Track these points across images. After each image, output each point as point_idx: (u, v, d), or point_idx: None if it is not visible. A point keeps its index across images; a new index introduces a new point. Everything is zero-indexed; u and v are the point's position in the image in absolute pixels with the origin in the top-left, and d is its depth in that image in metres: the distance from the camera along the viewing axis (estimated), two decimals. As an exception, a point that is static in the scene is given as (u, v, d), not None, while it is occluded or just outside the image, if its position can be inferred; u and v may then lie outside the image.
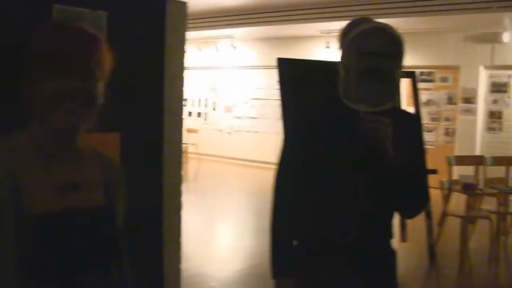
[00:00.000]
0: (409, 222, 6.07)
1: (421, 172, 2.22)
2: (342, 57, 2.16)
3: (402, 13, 9.73)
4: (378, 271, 2.20)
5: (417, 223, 6.55)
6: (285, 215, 2.22)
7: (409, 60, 9.72)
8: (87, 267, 1.51)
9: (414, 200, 2.20)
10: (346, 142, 2.10)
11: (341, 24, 8.52)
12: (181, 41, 3.48)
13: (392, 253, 2.28)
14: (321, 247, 2.16)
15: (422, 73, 11.75)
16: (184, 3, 3.49)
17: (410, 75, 6.00)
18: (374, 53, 2.03)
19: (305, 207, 2.18)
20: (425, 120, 11.16)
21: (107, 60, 1.54)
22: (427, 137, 10.04)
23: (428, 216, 6.16)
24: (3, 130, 1.49)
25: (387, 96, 2.09)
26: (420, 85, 10.21)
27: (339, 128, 2.13)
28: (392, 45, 2.05)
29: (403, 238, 6.13)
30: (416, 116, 2.36)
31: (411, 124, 2.25)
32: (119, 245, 1.66)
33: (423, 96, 11.54)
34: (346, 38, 2.18)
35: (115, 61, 1.58)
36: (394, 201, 2.16)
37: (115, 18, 3.06)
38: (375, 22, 2.18)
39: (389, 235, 2.26)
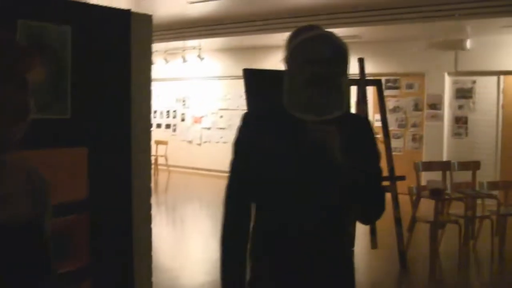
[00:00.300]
0: (379, 228, 6.12)
1: (376, 178, 2.17)
2: (286, 66, 2.11)
3: (365, 22, 9.84)
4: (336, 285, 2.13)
5: (387, 229, 6.60)
6: (233, 236, 2.16)
7: (375, 67, 9.85)
8: (11, 282, 1.49)
9: (370, 207, 2.14)
10: (294, 154, 2.03)
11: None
12: (147, 54, 3.47)
13: (351, 266, 2.21)
14: (275, 265, 2.09)
15: (388, 81, 11.90)
16: (149, 15, 3.48)
17: (376, 83, 6.06)
18: (317, 60, 1.98)
19: (255, 226, 2.14)
20: (392, 126, 11.27)
21: (37, 73, 1.51)
22: (394, 143, 10.14)
23: (398, 222, 6.21)
24: None
25: (334, 104, 2.04)
26: (387, 92, 10.36)
27: (285, 140, 2.04)
28: (335, 52, 2.01)
29: (374, 244, 6.17)
30: (366, 120, 2.30)
31: (362, 129, 2.18)
32: (48, 257, 1.63)
33: (390, 103, 11.68)
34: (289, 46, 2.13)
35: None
36: (350, 210, 2.11)
37: (79, 32, 3.03)
38: (319, 29, 2.13)
39: (348, 245, 2.20)
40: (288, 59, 2.10)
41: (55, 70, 2.94)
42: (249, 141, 2.12)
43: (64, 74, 2.98)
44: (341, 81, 2.04)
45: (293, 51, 2.07)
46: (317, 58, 1.99)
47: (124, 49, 3.28)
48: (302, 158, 2.02)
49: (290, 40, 2.13)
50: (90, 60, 3.11)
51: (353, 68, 7.26)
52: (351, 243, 2.26)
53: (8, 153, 1.52)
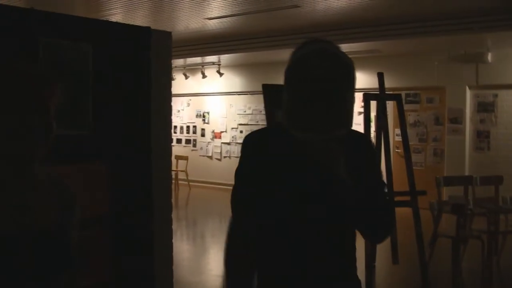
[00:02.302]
0: (400, 243, 6.06)
1: (380, 197, 2.06)
2: (285, 83, 1.97)
3: (384, 36, 9.82)
4: None
5: (408, 244, 6.54)
6: (238, 256, 2.10)
7: (395, 82, 9.80)
8: (36, 285, 1.61)
9: (378, 227, 2.03)
10: (297, 174, 1.93)
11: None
12: (167, 70, 3.50)
13: (357, 284, 2.12)
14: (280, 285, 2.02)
15: (408, 95, 11.82)
16: (169, 32, 3.52)
17: (396, 97, 6.03)
18: (317, 76, 1.85)
19: (259, 248, 2.06)
20: (413, 141, 11.20)
21: (57, 98, 1.65)
22: (415, 158, 10.07)
23: (419, 237, 6.15)
24: None
25: (337, 122, 1.91)
26: (407, 106, 10.29)
27: (287, 161, 1.94)
28: (338, 67, 1.88)
29: (395, 259, 6.11)
30: (367, 138, 2.19)
31: (365, 146, 2.08)
32: (71, 266, 1.74)
33: (410, 118, 11.61)
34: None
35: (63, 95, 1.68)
36: (356, 229, 2.02)
37: (100, 50, 3.07)
38: (320, 42, 1.96)
39: (352, 265, 2.11)
40: (288, 75, 1.96)
41: (76, 87, 2.98)
42: (250, 169, 2.02)
43: (85, 91, 3.01)
44: (344, 98, 1.91)
45: (292, 67, 1.94)
46: (317, 74, 1.86)
47: (145, 65, 3.31)
48: (304, 179, 1.93)
49: (292, 54, 2.00)
50: (110, 77, 3.14)
51: (373, 83, 7.29)
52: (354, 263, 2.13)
53: (34, 167, 1.66)
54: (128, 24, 3.36)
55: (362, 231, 2.05)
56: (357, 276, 2.12)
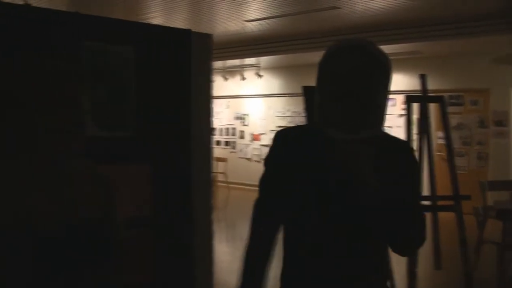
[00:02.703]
0: (443, 249, 5.94)
1: (414, 209, 1.93)
2: (318, 80, 1.92)
3: (426, 37, 9.67)
4: None
5: (452, 250, 6.41)
6: (257, 255, 2.13)
7: (437, 84, 9.67)
8: (79, 276, 1.66)
9: (406, 239, 1.92)
10: (320, 173, 1.90)
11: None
12: (207, 72, 3.49)
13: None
14: None
15: (451, 97, 11.62)
16: (209, 35, 3.51)
17: (439, 99, 5.91)
18: (352, 73, 1.79)
19: (284, 248, 2.08)
20: (456, 144, 11.01)
21: (91, 94, 1.76)
22: (458, 161, 9.87)
23: (463, 243, 6.01)
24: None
25: (368, 123, 1.85)
26: (450, 109, 10.13)
27: (314, 159, 1.91)
28: (372, 65, 1.81)
29: (438, 265, 5.99)
30: (408, 147, 2.06)
31: (406, 157, 1.96)
32: (113, 255, 1.80)
33: (453, 120, 11.41)
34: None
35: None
36: (382, 238, 1.94)
37: (142, 52, 3.08)
38: (357, 40, 1.89)
39: (380, 273, 2.03)
40: (320, 70, 1.90)
41: (117, 89, 2.99)
42: (278, 158, 2.04)
43: (127, 93, 3.03)
44: (377, 97, 1.83)
45: (324, 64, 1.88)
46: (349, 70, 1.79)
47: (185, 68, 3.31)
48: (329, 179, 1.89)
49: (327, 50, 1.94)
50: (151, 79, 3.15)
51: (414, 84, 7.22)
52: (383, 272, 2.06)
53: (72, 162, 1.72)
54: (169, 27, 3.36)
55: (387, 240, 1.96)
56: (381, 281, 2.05)
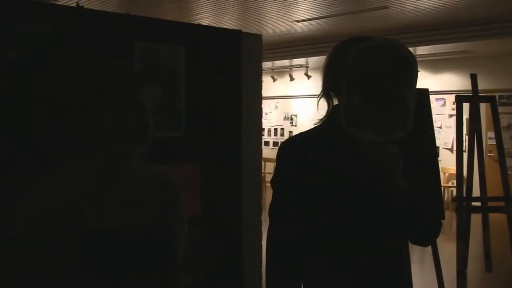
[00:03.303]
0: (494, 251, 5.86)
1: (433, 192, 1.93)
2: (346, 79, 1.83)
3: (477, 36, 9.51)
4: None
5: (503, 252, 6.31)
6: (283, 270, 1.95)
7: (487, 83, 9.47)
8: (141, 278, 1.65)
9: (427, 228, 1.93)
10: (349, 176, 1.83)
11: (416, 49, 8.31)
12: (257, 73, 3.53)
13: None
14: None
15: (501, 97, 11.39)
16: (259, 35, 3.55)
17: (490, 99, 5.83)
18: (381, 73, 1.76)
19: (307, 256, 1.94)
20: (507, 144, 10.78)
21: (153, 96, 1.69)
22: (509, 162, 9.67)
23: (515, 244, 5.92)
24: (60, 161, 1.70)
25: (397, 124, 1.79)
26: (500, 109, 9.92)
27: (340, 161, 1.85)
28: (402, 64, 1.77)
29: (488, 267, 5.91)
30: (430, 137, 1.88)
31: (419, 138, 1.94)
32: (174, 257, 1.76)
33: (504, 120, 11.18)
34: (342, 57, 1.88)
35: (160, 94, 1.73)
36: (406, 234, 1.95)
37: (192, 53, 3.14)
38: (382, 39, 1.85)
39: (403, 272, 2.03)
40: (347, 69, 1.83)
41: (169, 89, 3.06)
42: (292, 175, 1.90)
43: (178, 93, 3.09)
44: (406, 98, 1.79)
45: (353, 62, 1.81)
46: (379, 70, 1.76)
47: (235, 68, 3.35)
48: (355, 182, 1.82)
49: (339, 51, 1.93)
50: (202, 79, 3.20)
51: (464, 84, 7.15)
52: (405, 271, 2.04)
53: (134, 164, 1.70)
54: (220, 28, 3.41)
55: (410, 234, 1.96)
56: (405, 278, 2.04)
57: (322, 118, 2.04)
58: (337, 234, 1.85)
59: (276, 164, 2.00)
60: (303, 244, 1.92)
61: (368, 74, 1.77)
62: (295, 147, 1.96)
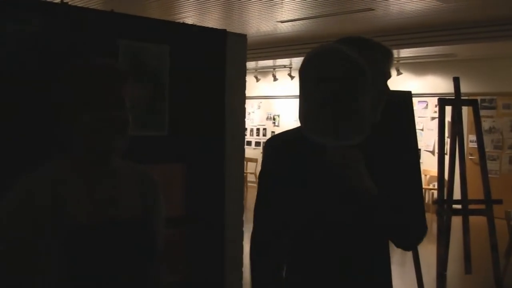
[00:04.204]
0: (474, 253, 5.91)
1: (413, 200, 1.95)
2: (301, 83, 1.85)
3: (460, 40, 9.58)
4: None
5: (482, 254, 6.36)
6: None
7: (469, 87, 9.53)
8: (123, 275, 1.67)
9: (408, 231, 1.93)
10: (317, 183, 1.84)
11: (400, 52, 8.33)
12: (241, 73, 3.52)
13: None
14: None
15: (483, 100, 11.50)
16: (244, 35, 3.54)
17: (472, 103, 5.88)
18: (330, 79, 1.74)
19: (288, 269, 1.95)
20: (488, 148, 10.88)
21: (133, 92, 1.71)
22: (489, 165, 9.75)
23: (494, 247, 5.97)
24: (45, 157, 1.71)
25: (354, 128, 1.77)
26: (482, 112, 10.00)
27: (306, 166, 1.86)
28: (349, 68, 1.75)
29: (468, 269, 5.95)
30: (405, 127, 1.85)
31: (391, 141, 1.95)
32: (156, 253, 1.80)
33: (485, 124, 11.27)
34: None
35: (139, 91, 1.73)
36: (386, 236, 1.94)
37: (177, 51, 3.12)
38: (332, 44, 1.87)
39: (386, 274, 2.02)
40: (300, 76, 1.84)
41: (153, 88, 3.04)
42: (279, 170, 1.92)
43: (162, 92, 3.07)
44: (360, 102, 1.77)
45: (303, 68, 1.82)
46: (328, 76, 1.74)
47: (220, 68, 3.34)
48: (325, 186, 1.83)
49: (306, 55, 1.88)
50: (186, 78, 3.19)
51: (446, 87, 7.19)
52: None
53: (115, 159, 1.73)
54: (205, 27, 3.40)
55: (390, 235, 1.95)
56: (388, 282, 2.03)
57: None
58: (319, 233, 1.86)
59: (263, 159, 2.03)
60: (288, 242, 1.94)
61: (321, 80, 1.75)
62: (279, 144, 1.99)
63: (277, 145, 2.00)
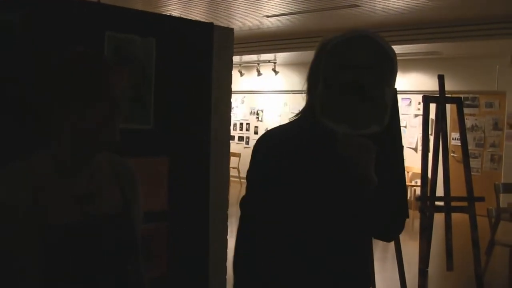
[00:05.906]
0: (455, 250, 5.95)
1: (399, 189, 1.94)
2: (323, 69, 1.78)
3: (445, 38, 9.63)
4: None
5: (464, 251, 6.40)
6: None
7: (453, 85, 9.59)
8: (106, 271, 1.65)
9: (390, 222, 1.93)
10: (322, 169, 1.83)
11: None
12: (228, 66, 3.50)
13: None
14: None
15: (466, 98, 11.57)
16: (231, 29, 3.52)
17: (457, 100, 5.91)
18: (359, 66, 1.70)
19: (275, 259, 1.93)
20: (470, 146, 10.95)
21: (122, 84, 1.65)
22: (471, 163, 9.81)
23: (475, 244, 6.01)
24: (23, 154, 1.64)
25: (374, 118, 1.73)
26: (464, 110, 10.07)
27: (315, 155, 1.85)
28: (379, 57, 1.72)
29: (450, 266, 5.99)
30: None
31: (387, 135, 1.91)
32: (137, 247, 1.78)
33: (468, 122, 11.35)
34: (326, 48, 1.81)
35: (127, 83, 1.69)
36: (371, 227, 1.94)
37: (163, 45, 3.10)
38: (364, 31, 1.78)
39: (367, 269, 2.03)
40: (324, 63, 1.78)
41: (139, 80, 3.01)
42: (270, 170, 1.89)
43: (148, 84, 3.05)
44: (383, 93, 1.73)
45: (330, 52, 1.76)
46: (358, 62, 1.70)
47: (206, 61, 3.32)
48: (328, 175, 1.82)
49: (331, 40, 1.82)
50: (172, 71, 3.17)
51: (431, 85, 7.25)
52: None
53: (98, 154, 1.70)
54: (192, 20, 3.38)
55: (374, 227, 1.95)
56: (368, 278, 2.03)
57: (298, 113, 2.00)
58: (310, 230, 1.85)
59: (253, 157, 1.98)
60: (274, 239, 1.91)
61: (346, 66, 1.71)
62: (273, 141, 1.95)
63: (275, 146, 1.95)
